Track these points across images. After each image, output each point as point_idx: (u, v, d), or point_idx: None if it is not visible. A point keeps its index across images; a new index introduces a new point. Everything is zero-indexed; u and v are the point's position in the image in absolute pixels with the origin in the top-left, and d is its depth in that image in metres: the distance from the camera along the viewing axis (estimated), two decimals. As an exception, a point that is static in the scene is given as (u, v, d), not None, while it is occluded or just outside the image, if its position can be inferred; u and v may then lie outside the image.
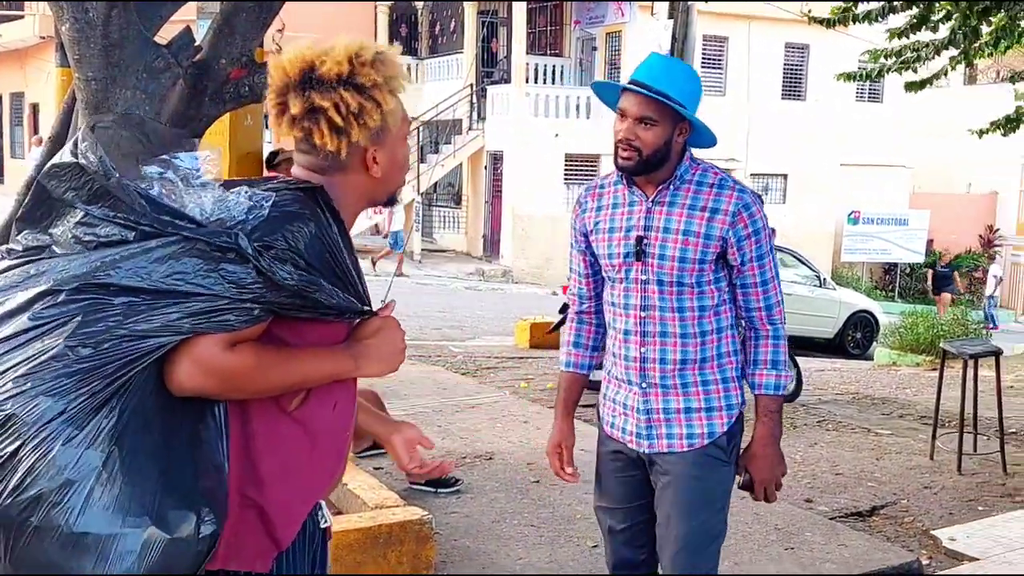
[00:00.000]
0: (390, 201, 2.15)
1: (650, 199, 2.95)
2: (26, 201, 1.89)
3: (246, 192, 1.82)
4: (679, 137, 2.89)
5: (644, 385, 2.98)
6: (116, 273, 1.72)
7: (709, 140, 2.96)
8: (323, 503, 2.16)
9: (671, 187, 2.92)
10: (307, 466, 1.99)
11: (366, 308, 1.97)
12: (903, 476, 6.76)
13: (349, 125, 1.92)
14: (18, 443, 1.65)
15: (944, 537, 5.47)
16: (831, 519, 5.67)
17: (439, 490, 5.69)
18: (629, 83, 2.89)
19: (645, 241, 2.93)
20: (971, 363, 7.08)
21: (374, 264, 21.61)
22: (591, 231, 3.08)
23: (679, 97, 2.83)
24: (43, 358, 1.67)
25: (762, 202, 2.98)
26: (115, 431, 1.69)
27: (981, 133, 11.31)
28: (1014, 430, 8.48)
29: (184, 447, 1.79)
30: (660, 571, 3.06)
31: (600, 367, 3.20)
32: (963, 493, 6.42)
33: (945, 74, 10.31)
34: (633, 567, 3.12)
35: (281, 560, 1.99)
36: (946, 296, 23.87)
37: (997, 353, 7.33)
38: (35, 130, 27.52)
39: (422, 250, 25.08)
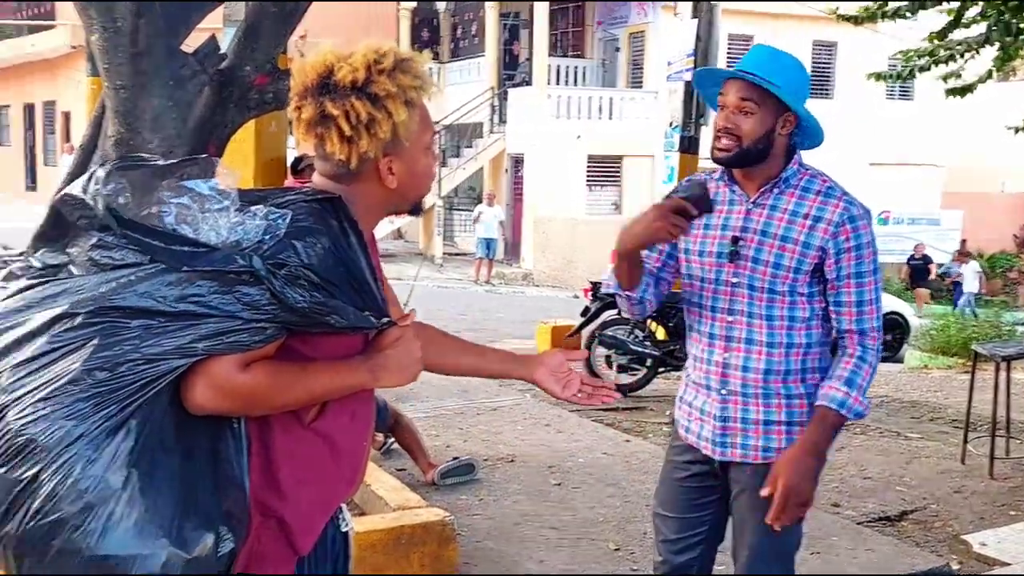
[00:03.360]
0: (414, 210, 2.13)
1: (751, 199, 2.85)
2: (44, 220, 1.92)
3: (263, 212, 1.81)
4: (782, 130, 2.78)
5: (724, 392, 2.88)
6: (131, 296, 1.74)
7: (817, 137, 2.86)
8: (344, 507, 2.16)
9: (775, 189, 2.82)
10: (326, 475, 2.00)
11: (382, 322, 1.96)
12: (933, 480, 6.69)
13: (358, 135, 1.90)
14: (39, 467, 1.67)
15: (975, 542, 5.41)
16: (859, 524, 5.62)
17: (464, 477, 5.84)
18: (734, 71, 2.80)
19: (741, 242, 2.82)
20: (1003, 365, 7.01)
21: (477, 278, 22.09)
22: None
23: (783, 85, 2.73)
24: (61, 382, 1.69)
25: (871, 217, 2.85)
26: (133, 453, 1.70)
27: (1017, 130, 11.17)
28: (1047, 434, 8.39)
29: (203, 465, 1.81)
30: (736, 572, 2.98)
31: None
32: (995, 498, 6.34)
33: (989, 78, 10.09)
34: (677, 575, 3.05)
35: (303, 565, 2.00)
36: (922, 291, 23.19)
37: (1030, 355, 7.24)
38: (67, 138, 27.85)
39: (443, 253, 25.11)
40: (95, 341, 1.71)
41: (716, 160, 2.84)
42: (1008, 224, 29.07)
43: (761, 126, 2.74)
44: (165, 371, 1.73)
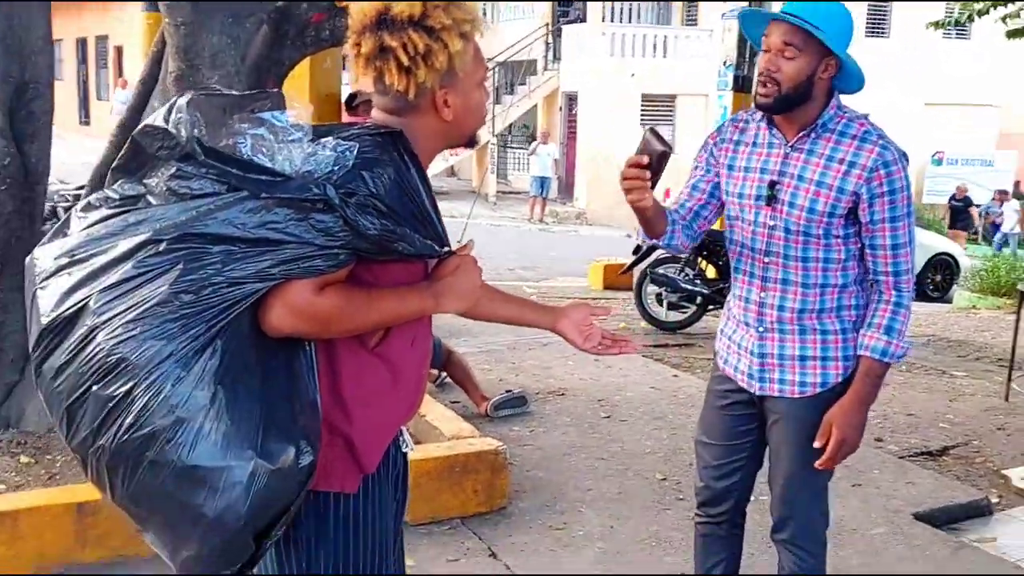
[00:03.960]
0: (470, 143, 2.22)
1: (789, 144, 2.89)
2: (122, 153, 2.00)
3: (331, 144, 1.90)
4: (824, 74, 2.80)
5: (761, 329, 2.97)
6: (213, 223, 1.82)
7: (858, 83, 2.88)
8: (404, 430, 2.29)
9: (812, 134, 2.86)
10: (389, 396, 2.12)
11: (444, 250, 2.07)
12: (977, 417, 6.75)
13: (416, 65, 1.99)
14: (131, 384, 1.77)
15: (1016, 476, 5.49)
16: (900, 458, 5.71)
17: (516, 410, 6.00)
18: (776, 14, 2.83)
19: (778, 186, 2.87)
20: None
21: (531, 216, 22.28)
22: (724, 164, 3.02)
23: (825, 28, 2.76)
24: (149, 304, 1.78)
25: (907, 161, 2.86)
26: (219, 371, 1.81)
27: None
28: (1093, 372, 8.40)
29: (282, 384, 1.92)
30: (772, 500, 3.11)
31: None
32: (1037, 435, 6.41)
33: None
34: (718, 500, 3.18)
35: (368, 481, 2.12)
36: (960, 233, 22.80)
37: (1074, 295, 7.24)
38: (120, 72, 27.97)
39: (497, 192, 25.19)
40: (180, 266, 1.80)
41: (758, 106, 2.90)
42: (1066, 165, 28.50)
43: (803, 70, 2.78)
44: (247, 293, 1.83)
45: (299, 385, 1.95)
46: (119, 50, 29.06)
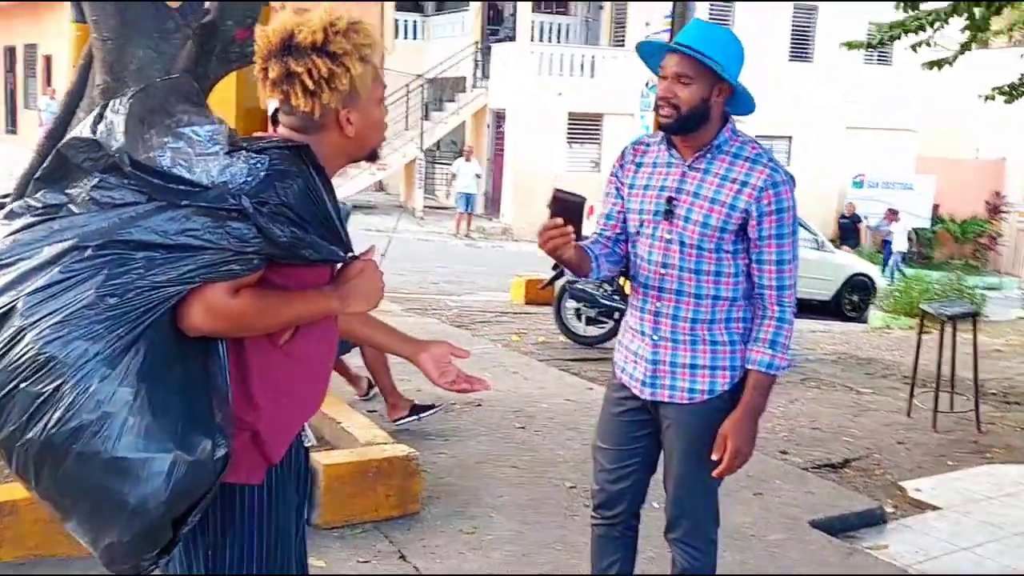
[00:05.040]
0: (371, 157, 2.36)
1: (686, 163, 3.08)
2: (46, 164, 2.12)
3: (244, 156, 2.04)
4: (718, 98, 3.00)
5: (656, 338, 3.14)
6: (136, 231, 1.95)
7: (749, 106, 3.08)
8: (307, 425, 2.42)
9: (708, 155, 3.05)
10: (295, 392, 2.26)
11: (348, 255, 2.22)
12: (879, 432, 7.02)
13: (320, 88, 2.14)
14: (59, 381, 1.89)
15: (911, 488, 5.75)
16: (803, 469, 5.94)
17: (420, 416, 6.01)
18: (671, 44, 3.05)
19: (675, 202, 3.06)
20: (949, 324, 7.33)
21: (457, 231, 22.29)
22: (627, 184, 3.22)
23: (716, 58, 2.96)
24: (77, 307, 1.90)
25: (794, 184, 3.06)
26: (142, 369, 1.94)
27: (986, 99, 11.37)
28: (994, 391, 8.75)
29: (199, 381, 2.05)
30: (666, 501, 3.27)
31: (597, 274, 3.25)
32: (935, 449, 6.68)
33: (964, 51, 10.25)
34: (612, 502, 3.34)
35: (271, 473, 2.24)
36: (847, 250, 23.24)
37: (974, 315, 7.57)
38: (48, 82, 27.54)
39: (424, 207, 25.28)
40: (105, 271, 1.93)
41: (660, 127, 3.13)
42: (981, 190, 29.30)
43: (697, 95, 2.98)
44: (168, 296, 1.97)
45: (215, 382, 2.08)
46: (48, 59, 28.63)
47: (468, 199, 22.92)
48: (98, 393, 1.90)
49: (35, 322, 1.90)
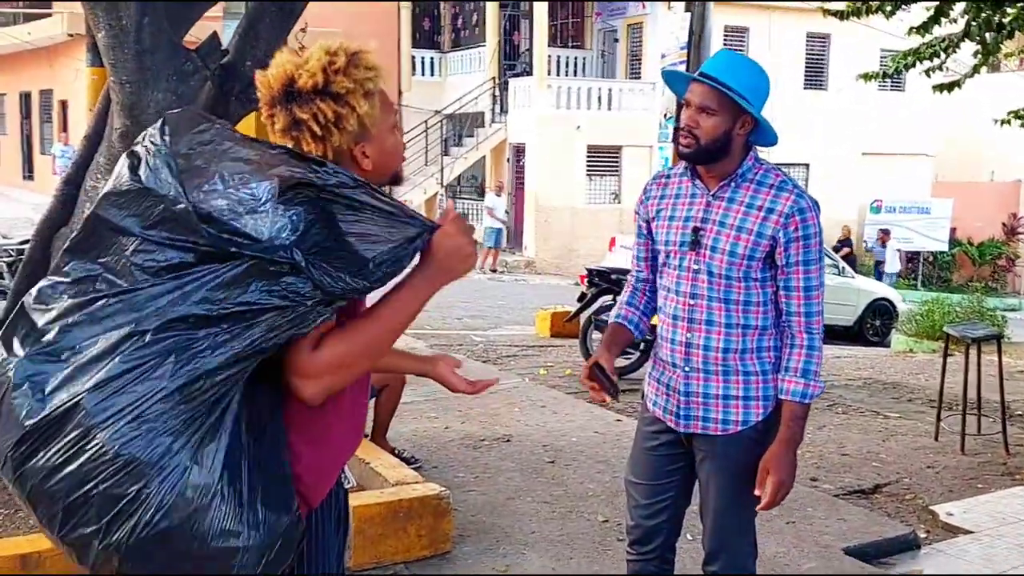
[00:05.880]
0: (394, 180, 2.31)
1: (711, 193, 3.08)
2: (75, 233, 2.03)
3: (282, 208, 1.91)
4: (740, 130, 3.00)
5: (687, 369, 3.12)
6: (190, 305, 1.85)
7: (772, 138, 3.08)
8: (346, 467, 2.40)
9: (732, 184, 3.05)
10: (331, 434, 2.22)
11: (414, 245, 2.06)
12: (907, 456, 6.96)
13: (329, 132, 2.10)
14: (143, 482, 1.81)
15: (942, 512, 5.70)
16: (834, 496, 5.89)
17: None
18: (696, 74, 3.05)
19: (701, 232, 3.06)
20: (973, 346, 7.29)
21: (483, 266, 22.32)
22: (653, 218, 3.23)
23: (741, 91, 2.97)
24: (150, 401, 1.82)
25: (819, 209, 3.05)
26: (225, 458, 1.89)
27: (1002, 123, 11.38)
28: (1020, 413, 8.67)
29: (272, 451, 2.02)
30: (703, 533, 3.25)
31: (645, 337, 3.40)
32: (964, 472, 6.62)
33: (975, 73, 10.28)
34: (648, 538, 3.29)
35: (311, 517, 2.21)
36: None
37: (999, 336, 7.52)
38: (64, 127, 27.75)
39: (446, 242, 25.28)
40: (172, 358, 1.84)
41: (680, 156, 3.12)
42: (997, 212, 29.33)
43: (720, 126, 2.99)
44: (243, 371, 1.90)
45: (281, 447, 2.05)
46: (63, 104, 28.90)
47: (497, 234, 22.97)
48: (186, 491, 1.83)
49: (106, 421, 1.82)
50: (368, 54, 2.15)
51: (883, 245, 23.68)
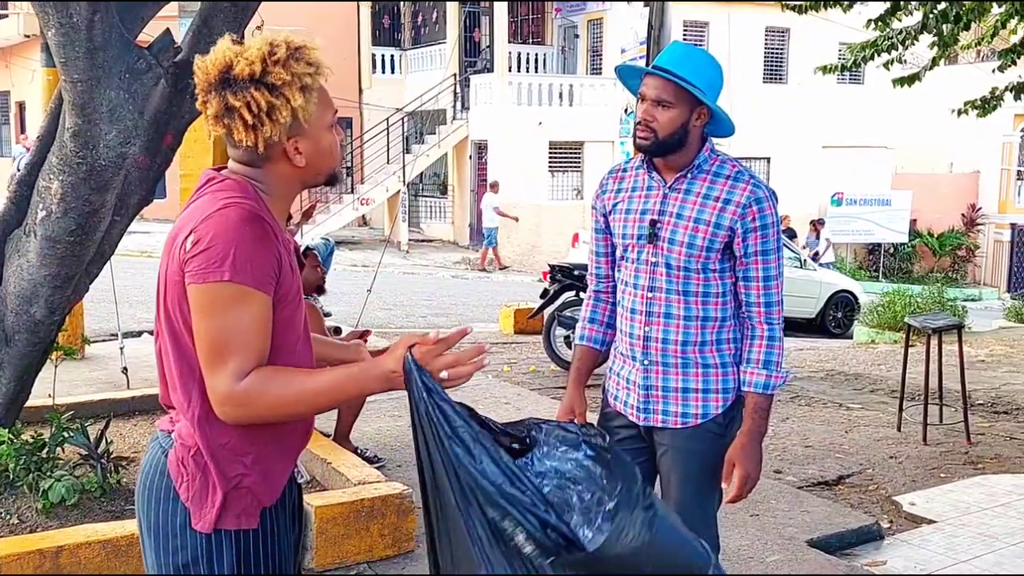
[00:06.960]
0: (329, 182, 2.29)
1: (668, 185, 3.07)
2: None
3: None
4: (697, 122, 3.00)
5: (646, 362, 3.11)
6: None
7: (728, 129, 3.07)
8: (299, 463, 2.37)
9: (688, 175, 3.04)
10: (280, 429, 2.19)
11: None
12: (870, 447, 7.00)
13: (260, 122, 2.07)
14: None
15: (905, 502, 5.73)
16: (798, 488, 5.91)
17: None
18: (651, 68, 3.03)
19: (658, 225, 3.04)
20: (935, 337, 7.34)
21: (484, 264, 22.32)
22: (610, 211, 3.20)
23: (696, 82, 2.95)
24: None
25: (777, 200, 3.05)
26: None
27: (959, 113, 11.46)
28: (981, 402, 8.75)
29: None
30: None
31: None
32: (927, 462, 6.66)
33: (933, 66, 10.35)
34: None
35: (265, 515, 2.20)
36: None
37: (959, 326, 7.57)
38: (22, 128, 27.46)
39: (409, 240, 25.26)
40: None
41: (637, 148, 3.09)
42: (956, 203, 29.66)
43: (676, 120, 2.98)
44: None
45: None
46: (20, 106, 28.58)
47: (490, 233, 22.88)
48: None
49: None
50: (312, 50, 2.13)
51: (817, 236, 23.79)
